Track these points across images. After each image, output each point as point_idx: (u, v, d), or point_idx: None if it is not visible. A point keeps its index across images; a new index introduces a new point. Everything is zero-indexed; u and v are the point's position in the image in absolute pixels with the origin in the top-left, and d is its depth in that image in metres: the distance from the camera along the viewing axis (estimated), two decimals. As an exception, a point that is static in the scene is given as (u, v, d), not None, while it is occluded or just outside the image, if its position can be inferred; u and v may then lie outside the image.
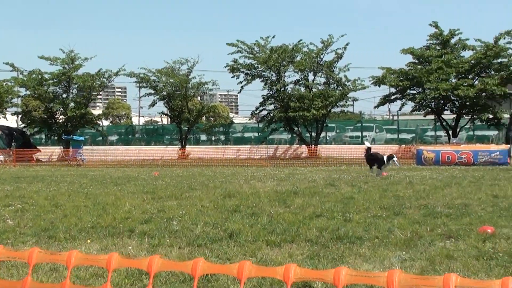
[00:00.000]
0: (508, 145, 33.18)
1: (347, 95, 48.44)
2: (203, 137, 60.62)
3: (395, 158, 24.35)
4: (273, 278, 4.63)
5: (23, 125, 57.52)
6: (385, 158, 24.21)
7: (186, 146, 53.61)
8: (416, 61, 45.85)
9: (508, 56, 43.36)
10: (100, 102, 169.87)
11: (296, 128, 49.57)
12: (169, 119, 64.81)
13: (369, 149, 26.23)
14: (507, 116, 44.94)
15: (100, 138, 60.32)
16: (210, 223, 11.93)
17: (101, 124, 63.14)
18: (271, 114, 49.30)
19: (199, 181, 23.48)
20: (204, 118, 62.67)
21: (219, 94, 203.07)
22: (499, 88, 41.69)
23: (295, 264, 4.13)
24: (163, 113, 60.68)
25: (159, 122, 74.76)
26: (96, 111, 75.81)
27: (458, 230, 10.53)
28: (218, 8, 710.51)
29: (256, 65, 48.52)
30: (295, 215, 12.86)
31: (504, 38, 43.15)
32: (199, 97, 61.44)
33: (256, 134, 58.00)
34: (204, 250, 9.55)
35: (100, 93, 63.14)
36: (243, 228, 11.20)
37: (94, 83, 53.70)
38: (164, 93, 53.41)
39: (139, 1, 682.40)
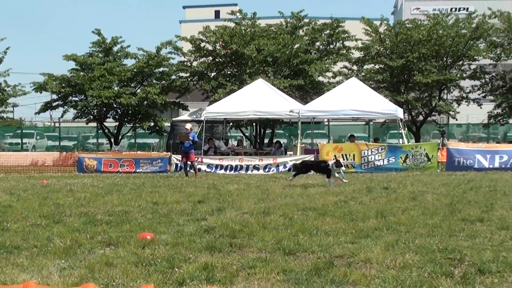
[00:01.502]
0: (169, 153, 34.21)
1: (7, 101, 46.93)
2: None
3: (330, 162, 22.29)
4: None
5: None
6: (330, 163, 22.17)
7: None
8: (79, 68, 45.53)
9: (169, 66, 44.80)
10: None
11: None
12: None
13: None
14: (168, 124, 46.36)
15: None
16: None
17: None
18: None
19: None
20: None
21: None
22: (160, 97, 42.82)
23: None
24: None
25: None
26: None
27: (118, 237, 10.59)
28: None
29: None
30: None
31: (166, 48, 44.52)
32: None
33: None
34: None
35: None
36: None
37: None
38: None
39: None
